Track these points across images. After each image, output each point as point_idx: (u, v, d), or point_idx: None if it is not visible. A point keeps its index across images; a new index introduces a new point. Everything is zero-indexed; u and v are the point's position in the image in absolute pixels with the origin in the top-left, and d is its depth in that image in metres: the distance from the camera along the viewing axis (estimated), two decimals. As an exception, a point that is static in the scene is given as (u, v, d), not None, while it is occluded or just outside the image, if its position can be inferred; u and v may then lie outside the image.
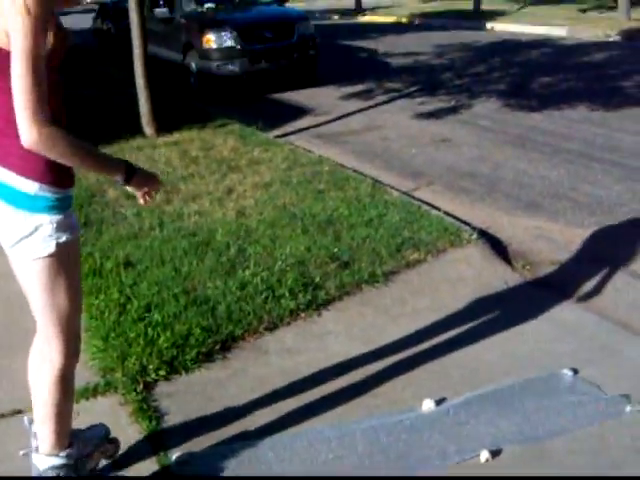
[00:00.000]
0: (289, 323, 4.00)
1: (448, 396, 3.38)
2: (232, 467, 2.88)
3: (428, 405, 3.29)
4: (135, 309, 3.90)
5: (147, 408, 3.16)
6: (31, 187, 2.18)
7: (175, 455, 2.89)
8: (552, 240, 5.37)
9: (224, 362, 3.62)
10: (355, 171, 6.76)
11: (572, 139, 8.06)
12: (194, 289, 4.14)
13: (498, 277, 4.75)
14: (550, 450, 3.04)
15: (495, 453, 2.98)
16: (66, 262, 2.28)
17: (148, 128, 8.17)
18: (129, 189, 2.40)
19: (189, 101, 10.65)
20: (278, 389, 3.44)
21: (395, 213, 5.37)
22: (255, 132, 8.32)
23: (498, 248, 5.29)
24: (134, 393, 3.24)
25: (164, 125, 8.24)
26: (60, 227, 2.23)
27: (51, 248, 2.22)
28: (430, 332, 4.02)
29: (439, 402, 3.32)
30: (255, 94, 11.37)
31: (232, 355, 3.68)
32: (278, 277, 4.29)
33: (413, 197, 6.12)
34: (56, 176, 2.22)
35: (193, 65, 11.56)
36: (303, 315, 4.08)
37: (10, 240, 2.23)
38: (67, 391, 2.44)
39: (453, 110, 9.68)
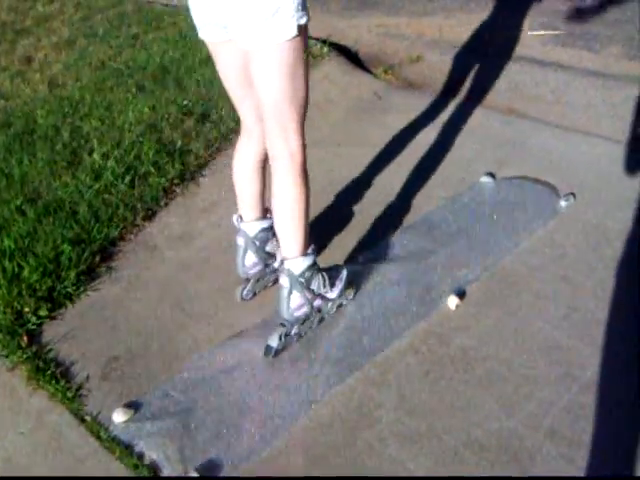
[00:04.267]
0: (167, 204, 3.22)
1: (381, 242, 2.85)
2: (179, 404, 2.24)
3: (365, 258, 2.74)
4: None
5: (45, 365, 2.37)
6: None
7: (115, 417, 2.18)
8: (401, 35, 4.75)
9: (112, 274, 2.84)
10: (163, 4, 5.67)
11: None
12: (39, 195, 3.20)
13: (365, 89, 4.14)
14: (510, 270, 2.63)
15: (460, 295, 2.52)
16: (303, 47, 2.00)
17: None
18: None
19: None
20: (186, 287, 2.75)
21: (232, 43, 4.50)
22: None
23: (349, 56, 4.64)
24: (19, 351, 2.42)
25: None
26: (300, 6, 1.92)
27: (294, 30, 1.92)
28: (323, 169, 3.40)
29: (376, 252, 2.78)
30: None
31: (118, 263, 2.90)
32: (135, 152, 3.42)
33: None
34: None
35: None
36: (179, 190, 3.30)
37: (249, 27, 1.91)
38: (308, 184, 2.18)
39: None
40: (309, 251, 2.27)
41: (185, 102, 3.83)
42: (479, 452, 1.98)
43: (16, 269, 2.73)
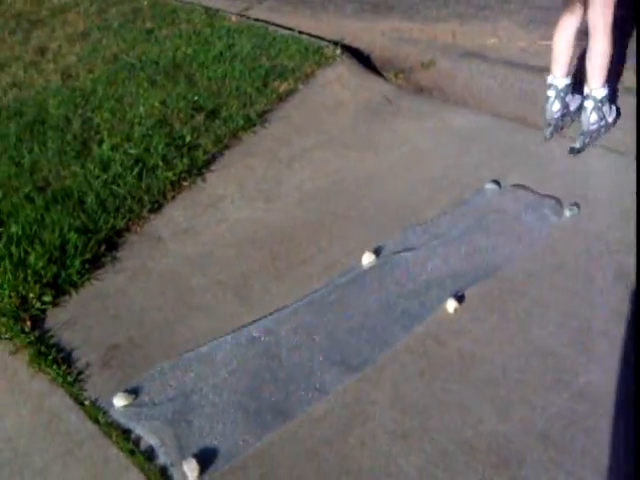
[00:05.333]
0: (174, 197, 3.29)
1: (383, 242, 2.91)
2: (179, 389, 2.30)
3: (368, 259, 2.80)
4: (-19, 225, 3.00)
5: (47, 350, 2.44)
6: None
7: (116, 402, 2.25)
8: (414, 40, 4.80)
9: (116, 264, 2.91)
10: (178, 0, 5.74)
11: None
12: (48, 183, 3.28)
13: (375, 92, 4.19)
14: (510, 277, 2.68)
15: (459, 299, 2.57)
16: None
17: None
18: None
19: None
20: (188, 280, 2.81)
21: (245, 41, 4.57)
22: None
23: (361, 59, 4.70)
24: (22, 335, 2.49)
25: None
26: None
27: None
28: (330, 170, 3.47)
29: (378, 252, 2.84)
30: None
31: (123, 253, 2.97)
32: (144, 145, 3.49)
33: (252, 18, 5.27)
34: None
35: None
36: (186, 184, 3.37)
37: None
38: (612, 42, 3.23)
39: None
40: (607, 85, 3.31)
41: (196, 98, 3.90)
42: (469, 452, 2.03)
43: (22, 255, 2.79)
